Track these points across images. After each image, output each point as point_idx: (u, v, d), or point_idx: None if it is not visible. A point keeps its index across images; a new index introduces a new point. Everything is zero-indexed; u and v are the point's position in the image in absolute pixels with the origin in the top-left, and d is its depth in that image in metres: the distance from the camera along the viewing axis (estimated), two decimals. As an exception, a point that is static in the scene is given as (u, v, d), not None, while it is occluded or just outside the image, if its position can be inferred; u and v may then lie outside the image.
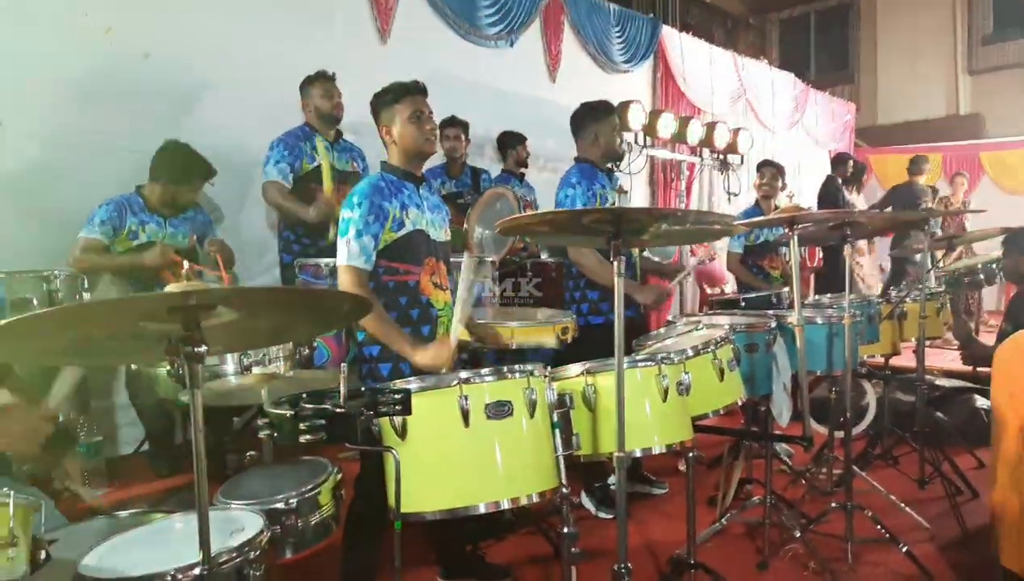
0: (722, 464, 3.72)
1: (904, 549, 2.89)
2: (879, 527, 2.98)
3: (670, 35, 7.61)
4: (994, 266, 4.32)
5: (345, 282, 2.29)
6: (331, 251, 2.61)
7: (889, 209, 7.03)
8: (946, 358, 5.14)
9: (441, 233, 2.55)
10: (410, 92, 2.42)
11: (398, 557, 1.55)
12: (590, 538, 3.09)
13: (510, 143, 5.43)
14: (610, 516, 3.46)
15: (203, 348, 1.09)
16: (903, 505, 3.35)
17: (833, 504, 3.06)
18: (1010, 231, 3.38)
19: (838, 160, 7.56)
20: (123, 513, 1.90)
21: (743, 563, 2.99)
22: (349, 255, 2.29)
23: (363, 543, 2.12)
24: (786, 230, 2.63)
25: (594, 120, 3.59)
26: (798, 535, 2.97)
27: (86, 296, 3.02)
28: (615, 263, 1.69)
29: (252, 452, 2.08)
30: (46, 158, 3.60)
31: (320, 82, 3.84)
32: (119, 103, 3.81)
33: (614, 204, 3.59)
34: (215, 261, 3.43)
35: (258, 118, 4.14)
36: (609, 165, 3.72)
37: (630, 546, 3.12)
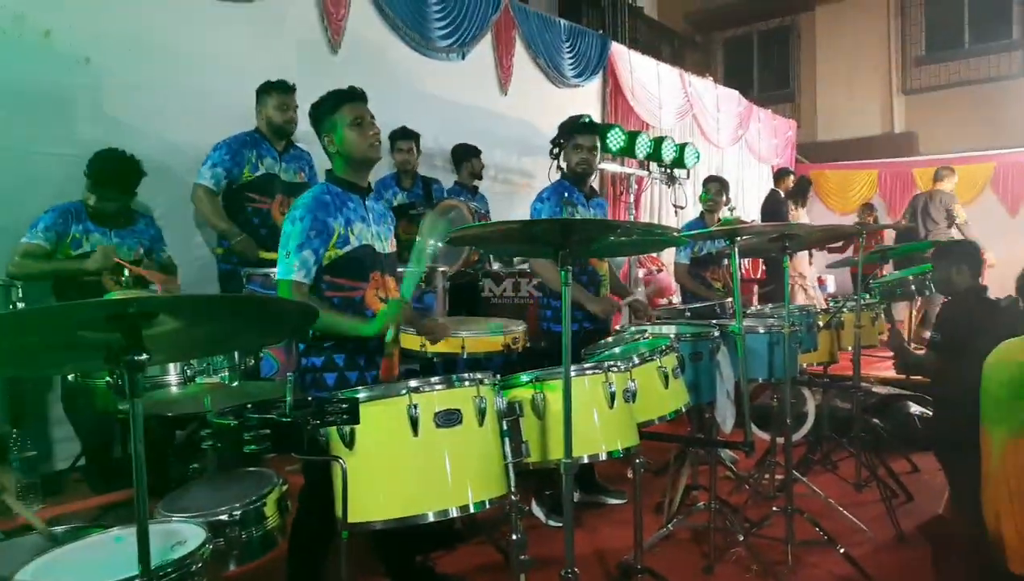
0: (668, 471, 3.79)
1: (842, 551, 2.99)
2: (818, 530, 3.09)
3: (619, 51, 7.77)
4: (924, 278, 4.52)
5: (284, 297, 2.26)
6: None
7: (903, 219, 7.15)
8: (882, 367, 5.33)
9: (387, 245, 2.53)
10: (349, 98, 2.37)
11: (344, 567, 1.54)
12: (540, 547, 3.09)
13: (465, 155, 5.47)
14: (560, 524, 3.48)
15: (144, 356, 1.07)
16: (842, 509, 3.47)
17: (775, 508, 3.15)
18: (939, 245, 3.53)
19: (780, 174, 7.82)
20: (59, 528, 1.84)
21: (689, 567, 3.05)
22: (288, 269, 2.25)
23: (309, 555, 2.09)
24: (727, 243, 2.71)
25: (565, 135, 3.70)
26: (741, 539, 3.05)
27: (20, 306, 2.92)
28: (563, 273, 1.72)
29: (195, 464, 2.04)
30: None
31: (277, 93, 3.78)
32: (58, 108, 3.71)
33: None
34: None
35: (205, 126, 4.06)
36: (588, 184, 3.77)
37: (580, 554, 3.18)
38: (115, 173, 3.32)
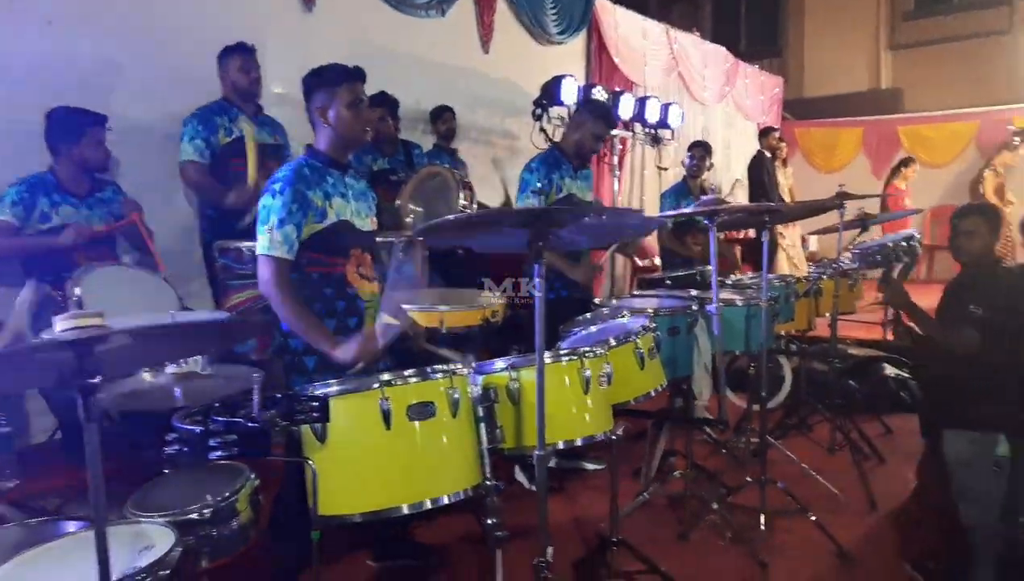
0: (646, 437, 3.85)
1: (813, 519, 3.06)
2: (790, 498, 3.15)
3: (604, 6, 7.57)
4: (905, 244, 4.54)
5: (265, 273, 2.22)
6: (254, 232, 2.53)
7: None
8: (860, 328, 5.40)
9: (367, 222, 2.49)
10: (353, 77, 2.34)
11: (316, 559, 1.54)
12: (522, 514, 3.14)
13: (434, 116, 5.41)
14: (544, 490, 3.55)
15: (98, 379, 1.04)
16: (815, 474, 3.54)
17: (748, 479, 3.21)
18: (979, 206, 3.10)
19: (764, 132, 7.75)
20: (32, 521, 1.82)
21: (665, 535, 3.12)
22: (271, 244, 2.21)
23: (288, 545, 2.10)
24: (706, 221, 2.69)
25: (590, 113, 3.62)
26: (715, 507, 3.11)
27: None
28: (536, 266, 1.70)
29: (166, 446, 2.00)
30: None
31: (238, 55, 3.70)
32: (19, 75, 3.57)
33: (574, 197, 3.60)
34: (136, 226, 3.30)
35: (175, 88, 3.95)
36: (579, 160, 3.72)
37: (558, 521, 3.23)
38: (73, 124, 3.23)
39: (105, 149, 3.36)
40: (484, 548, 3.01)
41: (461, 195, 4.11)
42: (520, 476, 3.64)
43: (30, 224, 3.18)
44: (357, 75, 2.36)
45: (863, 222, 3.84)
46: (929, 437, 3.10)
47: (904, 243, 4.54)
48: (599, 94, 6.32)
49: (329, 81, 2.32)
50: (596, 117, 3.61)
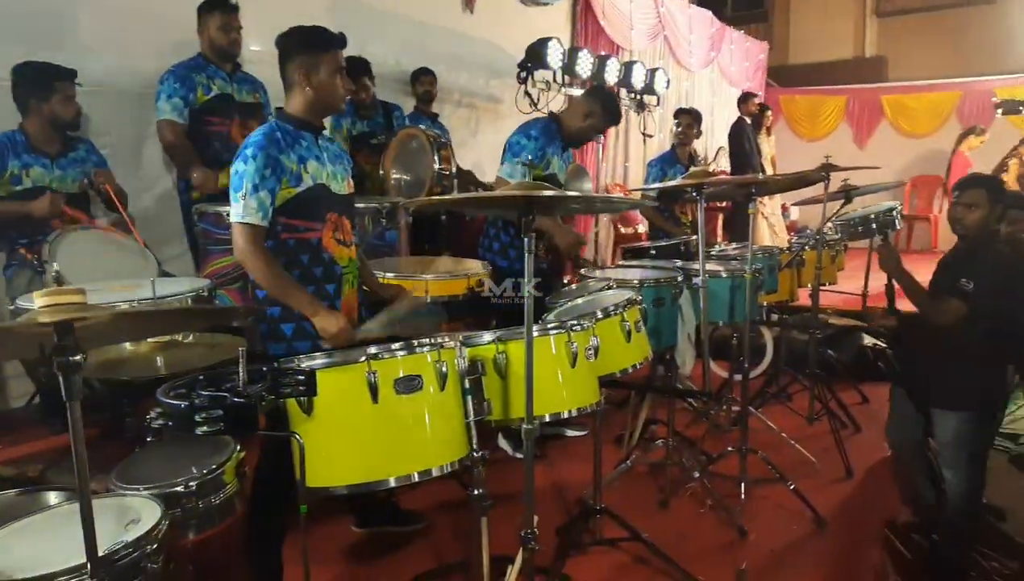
0: (629, 404, 3.88)
1: (792, 487, 3.12)
2: (770, 468, 3.21)
3: (590, -34, 7.42)
4: (888, 214, 4.57)
5: (240, 240, 2.17)
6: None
7: None
8: (840, 298, 5.45)
9: (343, 185, 2.44)
10: (339, 44, 2.30)
11: (304, 541, 1.54)
12: (506, 481, 3.17)
13: (413, 78, 5.30)
14: (526, 456, 3.58)
15: (79, 357, 1.01)
16: (794, 442, 3.60)
17: (729, 448, 3.26)
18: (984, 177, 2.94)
19: (743, 98, 7.72)
20: (10, 492, 1.80)
21: (646, 502, 3.17)
22: (245, 211, 2.16)
23: (268, 515, 2.09)
24: (693, 193, 2.68)
25: (603, 109, 3.55)
26: (697, 475, 3.16)
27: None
28: (526, 240, 1.68)
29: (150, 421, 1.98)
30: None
31: (220, 12, 3.56)
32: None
33: (555, 177, 3.56)
34: (107, 197, 3.23)
35: (150, 40, 3.82)
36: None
37: (540, 487, 3.26)
38: (42, 79, 3.15)
39: (76, 105, 3.26)
40: (467, 513, 3.05)
41: (437, 157, 4.04)
42: (503, 443, 3.66)
43: (0, 186, 3.09)
44: (342, 42, 2.32)
45: (847, 193, 3.84)
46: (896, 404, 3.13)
47: (885, 214, 4.56)
48: (584, 59, 6.22)
49: (314, 45, 2.26)
50: (607, 114, 3.57)
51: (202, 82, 3.58)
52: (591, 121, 3.53)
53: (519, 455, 3.60)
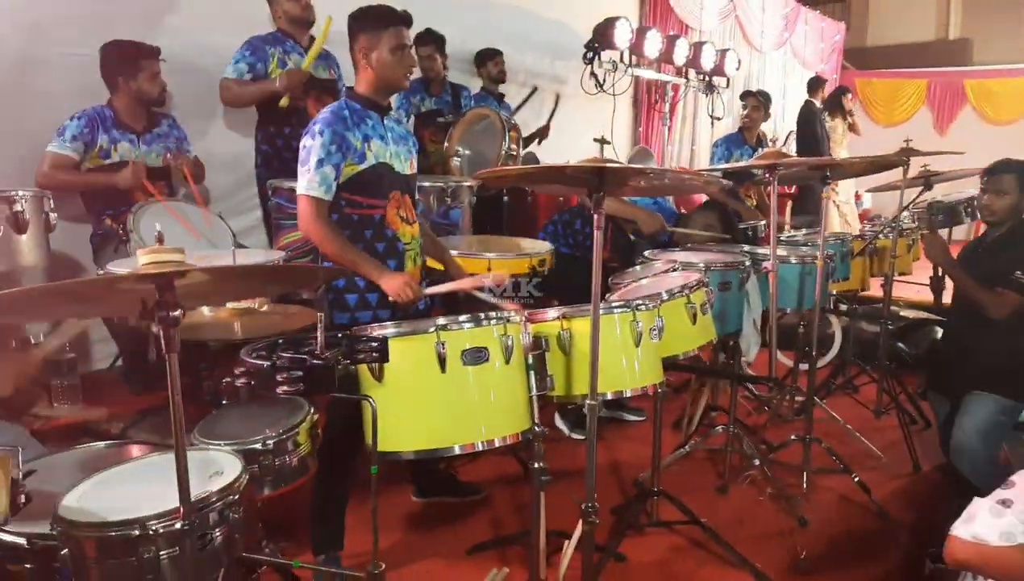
0: (689, 389, 3.85)
1: (856, 479, 3.04)
2: (834, 457, 3.14)
3: (661, -56, 7.28)
4: (973, 202, 4.36)
5: (304, 212, 2.24)
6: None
7: None
8: (912, 289, 5.25)
9: (407, 166, 2.48)
10: (399, 21, 2.31)
11: (374, 500, 1.60)
12: (562, 459, 3.21)
13: (482, 59, 5.27)
14: (582, 437, 3.60)
15: (178, 312, 1.08)
16: (858, 434, 3.51)
17: (793, 437, 3.20)
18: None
19: (812, 84, 7.46)
20: (99, 444, 1.92)
21: (704, 487, 3.14)
22: (309, 184, 2.22)
23: (334, 474, 2.17)
24: (766, 174, 2.62)
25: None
26: (757, 463, 3.12)
27: (53, 217, 2.94)
28: (595, 217, 1.68)
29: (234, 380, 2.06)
30: (5, 71, 3.40)
31: None
32: (83, 11, 3.57)
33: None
34: (183, 175, 3.36)
35: (229, 22, 3.92)
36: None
37: (599, 467, 3.26)
38: (126, 56, 3.26)
39: (161, 82, 3.38)
40: (523, 487, 3.10)
41: (507, 138, 4.07)
42: (560, 423, 3.68)
43: (89, 159, 3.25)
44: (403, 19, 2.33)
45: (927, 180, 3.68)
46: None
47: (967, 204, 4.36)
48: (653, 39, 6.11)
49: (374, 23, 2.30)
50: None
51: (277, 55, 3.65)
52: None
53: (575, 435, 3.62)
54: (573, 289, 2.49)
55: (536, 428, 1.95)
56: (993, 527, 1.41)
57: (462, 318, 1.79)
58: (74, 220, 3.42)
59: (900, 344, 4.71)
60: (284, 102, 3.56)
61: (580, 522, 1.95)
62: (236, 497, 1.44)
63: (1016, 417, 2.73)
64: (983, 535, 1.41)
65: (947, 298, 3.18)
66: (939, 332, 4.85)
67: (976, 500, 1.49)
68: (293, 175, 2.27)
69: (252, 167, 3.94)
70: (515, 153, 4.08)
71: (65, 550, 1.35)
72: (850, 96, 7.43)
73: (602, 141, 2.93)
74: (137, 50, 3.31)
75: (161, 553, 1.32)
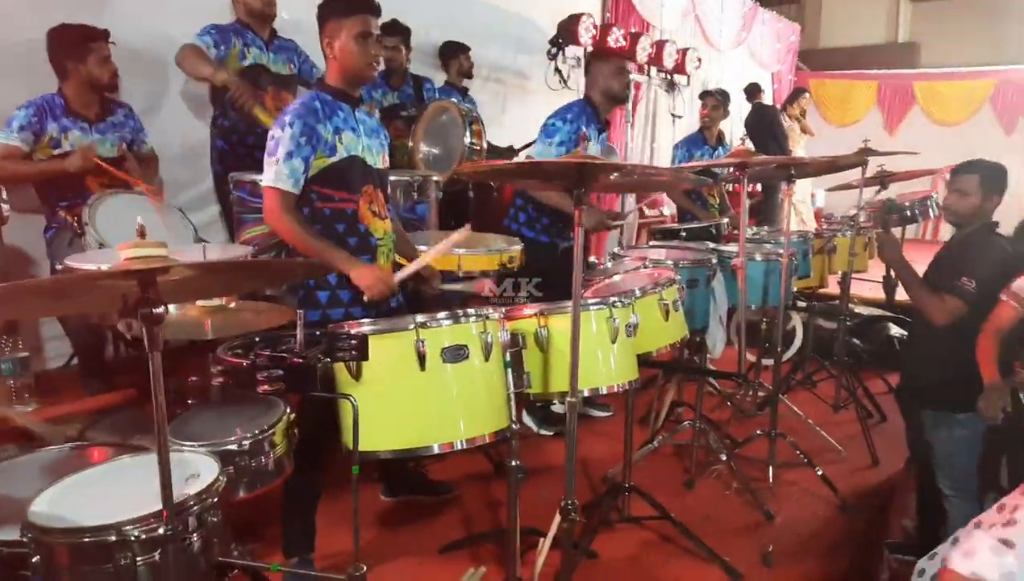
0: (655, 385, 3.89)
1: (819, 472, 3.13)
2: (798, 453, 3.21)
3: (623, -58, 7.31)
4: (926, 202, 4.51)
5: (271, 205, 2.19)
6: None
7: None
8: (865, 287, 5.41)
9: (379, 159, 2.44)
10: (363, 8, 2.25)
11: (356, 501, 1.57)
12: (530, 456, 3.22)
13: (451, 53, 5.21)
14: (550, 433, 3.62)
15: (161, 309, 1.04)
16: (819, 429, 3.60)
17: (758, 432, 3.26)
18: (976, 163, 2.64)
19: (753, 89, 7.62)
20: (66, 446, 1.84)
21: (671, 482, 3.19)
22: (276, 176, 2.17)
23: (307, 474, 2.13)
24: (733, 171, 2.66)
25: (597, 56, 3.60)
26: (723, 458, 3.17)
27: (5, 208, 2.81)
28: (576, 213, 1.68)
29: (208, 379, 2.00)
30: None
31: None
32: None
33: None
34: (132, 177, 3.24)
35: (182, 10, 3.81)
36: (605, 117, 3.68)
37: (563, 463, 3.29)
38: (75, 41, 3.12)
39: (112, 65, 3.25)
40: (492, 485, 3.09)
41: (470, 132, 4.03)
42: (528, 420, 3.70)
43: (39, 149, 3.11)
44: (369, 7, 2.28)
45: (883, 180, 3.80)
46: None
47: (922, 204, 4.51)
48: (615, 37, 6.14)
49: (339, 11, 2.25)
50: (609, 56, 3.62)
51: (239, 47, 3.57)
52: (608, 77, 3.50)
53: (543, 431, 3.64)
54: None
55: (514, 426, 1.94)
56: (994, 567, 1.39)
57: (441, 315, 1.77)
58: (27, 212, 3.28)
59: (855, 340, 4.85)
60: (220, 79, 3.38)
61: (557, 519, 1.95)
62: (215, 500, 1.40)
63: (978, 425, 2.47)
64: (983, 574, 1.39)
65: (900, 296, 3.11)
66: (893, 329, 5.03)
67: (975, 533, 1.46)
68: (250, 169, 2.21)
69: (208, 162, 3.84)
70: (477, 147, 4.05)
71: (36, 557, 1.29)
72: (807, 96, 7.59)
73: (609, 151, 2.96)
74: (85, 32, 3.18)
75: (138, 559, 1.27)
